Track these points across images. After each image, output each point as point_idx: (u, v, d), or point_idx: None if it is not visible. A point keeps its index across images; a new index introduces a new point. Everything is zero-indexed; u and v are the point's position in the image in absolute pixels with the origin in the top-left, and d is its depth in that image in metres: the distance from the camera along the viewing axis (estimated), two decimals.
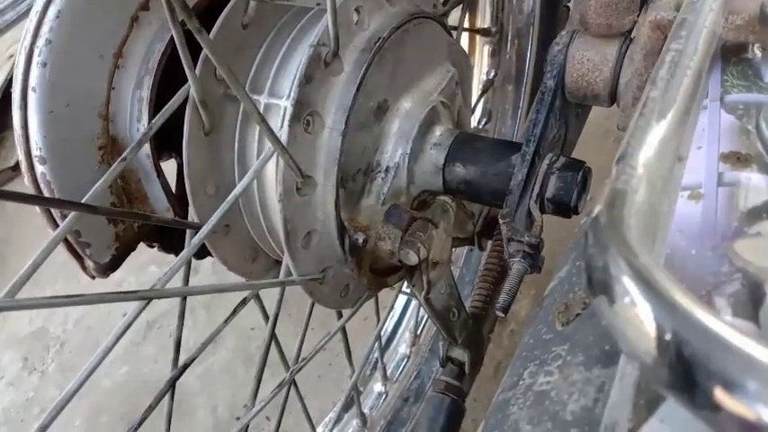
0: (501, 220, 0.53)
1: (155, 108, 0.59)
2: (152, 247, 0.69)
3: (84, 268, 0.61)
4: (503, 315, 0.51)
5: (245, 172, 0.57)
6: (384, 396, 1.00)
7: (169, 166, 0.62)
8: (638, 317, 0.20)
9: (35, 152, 0.55)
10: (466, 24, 0.97)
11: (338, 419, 0.95)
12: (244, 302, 0.60)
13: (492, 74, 1.03)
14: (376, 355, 0.98)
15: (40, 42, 0.54)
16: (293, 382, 0.65)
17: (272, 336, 0.60)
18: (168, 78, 0.59)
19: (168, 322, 1.41)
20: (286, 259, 0.54)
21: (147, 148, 0.58)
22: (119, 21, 0.58)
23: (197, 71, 0.50)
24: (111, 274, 0.61)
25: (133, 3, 0.59)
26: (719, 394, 0.18)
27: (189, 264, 0.59)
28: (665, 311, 0.19)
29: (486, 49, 1.03)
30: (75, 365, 1.39)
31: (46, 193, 0.56)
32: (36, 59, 0.54)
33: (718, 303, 0.28)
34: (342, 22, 0.51)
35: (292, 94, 0.49)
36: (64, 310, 1.48)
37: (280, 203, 0.50)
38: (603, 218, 0.24)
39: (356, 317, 0.70)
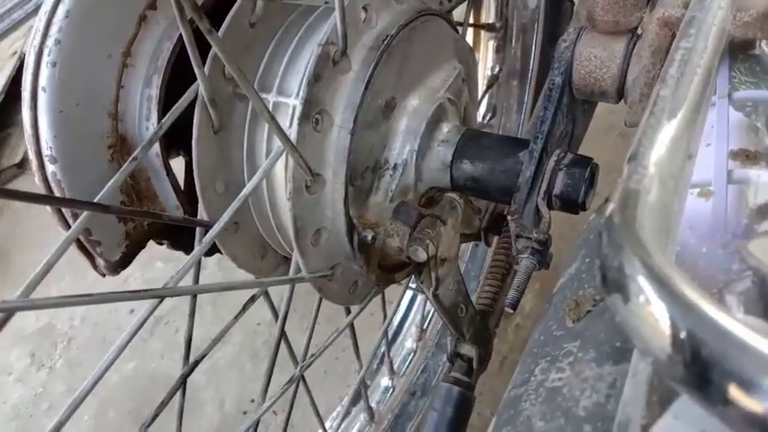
0: (509, 217, 0.53)
1: (164, 107, 0.59)
2: (161, 244, 0.70)
3: (94, 266, 0.61)
4: (512, 311, 0.52)
5: (254, 170, 0.58)
6: (391, 390, 1.01)
7: (177, 165, 0.63)
8: (652, 315, 0.20)
9: (45, 151, 0.55)
10: (471, 20, 0.97)
11: (346, 413, 0.96)
12: (253, 299, 0.61)
13: (497, 69, 1.04)
14: (383, 349, 0.99)
15: (50, 42, 0.54)
16: (302, 378, 0.66)
17: (282, 332, 0.61)
18: (177, 77, 0.60)
19: (175, 318, 1.42)
20: (295, 256, 0.54)
21: (156, 146, 0.58)
22: (127, 20, 0.58)
23: (206, 70, 0.51)
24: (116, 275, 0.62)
25: (141, 1, 0.59)
26: (733, 391, 0.19)
27: (199, 262, 0.59)
28: (680, 310, 0.20)
29: (491, 44, 1.03)
30: (82, 361, 1.40)
31: (56, 192, 0.56)
32: (46, 59, 0.54)
33: (729, 301, 0.29)
34: (350, 20, 0.51)
35: (301, 92, 0.50)
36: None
37: (289, 201, 0.51)
38: (617, 217, 0.25)
39: (362, 313, 0.71)
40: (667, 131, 0.31)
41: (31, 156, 0.56)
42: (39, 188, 0.57)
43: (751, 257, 0.30)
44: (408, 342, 1.06)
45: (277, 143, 0.50)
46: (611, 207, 0.26)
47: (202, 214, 0.57)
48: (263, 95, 0.56)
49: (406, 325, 1.09)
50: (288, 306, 0.59)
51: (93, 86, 0.57)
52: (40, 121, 0.55)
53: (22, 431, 1.31)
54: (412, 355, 1.05)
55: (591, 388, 0.31)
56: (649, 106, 0.33)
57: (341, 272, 0.59)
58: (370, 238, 0.55)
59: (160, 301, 0.46)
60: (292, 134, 0.49)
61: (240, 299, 0.60)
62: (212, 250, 0.61)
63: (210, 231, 0.48)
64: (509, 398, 0.36)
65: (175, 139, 0.59)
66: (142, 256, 0.64)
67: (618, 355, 0.31)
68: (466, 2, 0.79)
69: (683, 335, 0.19)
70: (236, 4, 0.54)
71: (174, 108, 0.51)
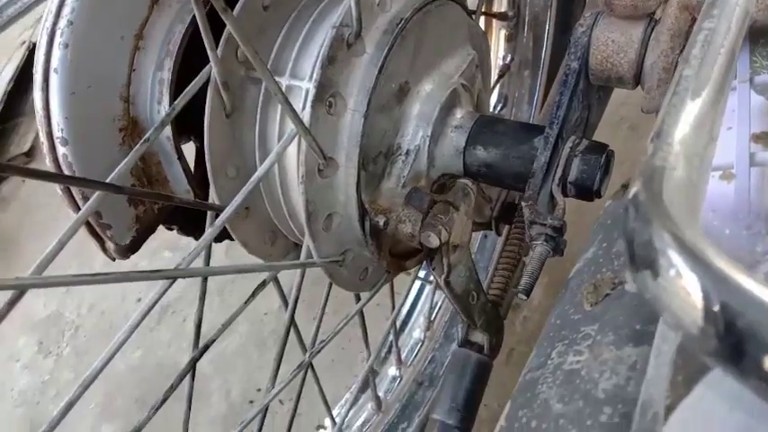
0: (523, 203, 0.53)
1: (175, 90, 0.59)
2: (171, 229, 0.69)
3: (104, 250, 0.61)
4: (525, 298, 0.51)
5: (265, 154, 0.57)
6: (399, 380, 1.00)
7: (188, 150, 0.63)
8: (684, 288, 0.20)
9: (57, 133, 0.55)
10: (483, 8, 0.96)
11: (353, 402, 0.96)
12: (263, 284, 0.60)
13: (508, 59, 1.03)
14: (391, 338, 0.99)
15: (62, 23, 0.54)
16: (311, 365, 0.66)
17: (292, 318, 0.61)
18: (188, 61, 0.59)
19: (182, 307, 1.42)
20: (307, 241, 0.54)
21: (167, 130, 0.58)
22: (139, 2, 0.58)
23: (219, 52, 0.50)
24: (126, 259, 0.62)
25: None
26: None
27: (210, 245, 0.59)
28: (713, 282, 0.19)
29: (503, 33, 1.02)
30: (89, 349, 1.40)
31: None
32: (58, 40, 0.54)
33: None
34: (364, 3, 0.51)
35: (315, 75, 0.49)
36: (78, 294, 1.48)
37: (302, 185, 0.50)
38: (643, 193, 0.24)
39: (369, 303, 0.70)
40: (691, 110, 0.31)
41: (42, 137, 0.56)
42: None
43: None
44: (416, 332, 1.06)
45: (289, 127, 0.49)
46: (636, 184, 0.26)
47: (214, 199, 0.56)
48: (277, 79, 0.55)
49: (414, 315, 1.09)
50: (298, 292, 0.59)
51: (105, 69, 0.57)
52: (51, 103, 0.55)
53: (28, 418, 1.31)
54: (420, 345, 1.05)
55: (610, 370, 0.30)
56: (672, 86, 0.33)
57: (352, 258, 0.58)
58: (382, 223, 0.54)
59: (171, 283, 0.46)
60: (305, 117, 0.49)
61: (247, 288, 0.59)
62: (222, 236, 0.60)
63: (222, 214, 0.48)
64: (525, 381, 0.36)
65: (186, 123, 0.59)
66: (150, 245, 0.64)
67: (638, 338, 0.31)
68: None
69: (716, 307, 0.19)
70: None
71: (186, 90, 0.50)
